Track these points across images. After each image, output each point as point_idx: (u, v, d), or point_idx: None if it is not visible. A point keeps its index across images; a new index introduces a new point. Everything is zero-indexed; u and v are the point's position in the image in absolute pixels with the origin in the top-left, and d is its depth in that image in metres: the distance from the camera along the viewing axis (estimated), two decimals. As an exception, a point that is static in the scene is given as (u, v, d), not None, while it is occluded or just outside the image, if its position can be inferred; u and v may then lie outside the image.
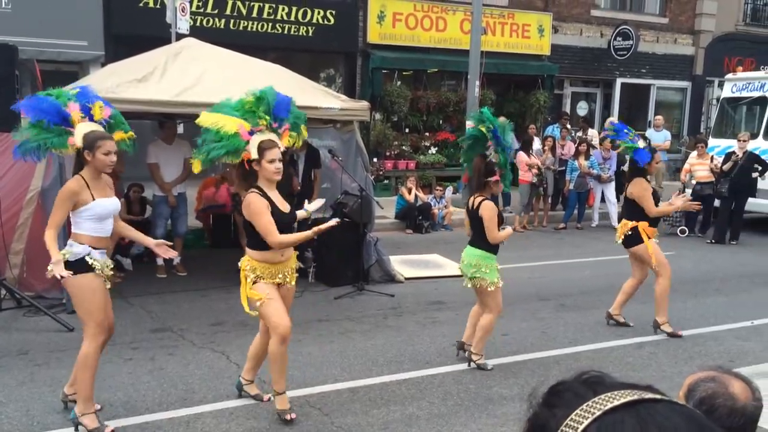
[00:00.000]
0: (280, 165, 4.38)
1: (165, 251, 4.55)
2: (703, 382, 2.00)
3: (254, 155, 4.33)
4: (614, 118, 15.31)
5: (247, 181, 4.44)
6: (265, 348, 4.56)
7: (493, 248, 5.34)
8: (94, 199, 4.19)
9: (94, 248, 4.21)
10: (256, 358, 4.76)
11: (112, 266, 4.44)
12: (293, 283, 4.62)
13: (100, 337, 4.23)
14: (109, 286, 4.36)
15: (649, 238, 6.32)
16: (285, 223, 4.41)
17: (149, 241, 4.64)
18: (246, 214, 4.36)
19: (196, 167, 4.56)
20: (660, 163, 6.38)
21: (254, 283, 4.41)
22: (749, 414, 1.92)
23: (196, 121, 4.57)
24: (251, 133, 4.38)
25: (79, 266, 4.14)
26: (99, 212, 4.22)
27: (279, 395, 4.49)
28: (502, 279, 5.43)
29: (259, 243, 4.37)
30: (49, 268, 4.16)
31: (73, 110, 4.25)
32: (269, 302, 4.35)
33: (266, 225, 4.28)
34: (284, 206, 4.47)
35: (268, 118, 4.48)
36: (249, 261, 4.45)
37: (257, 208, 4.29)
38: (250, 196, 4.34)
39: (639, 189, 6.29)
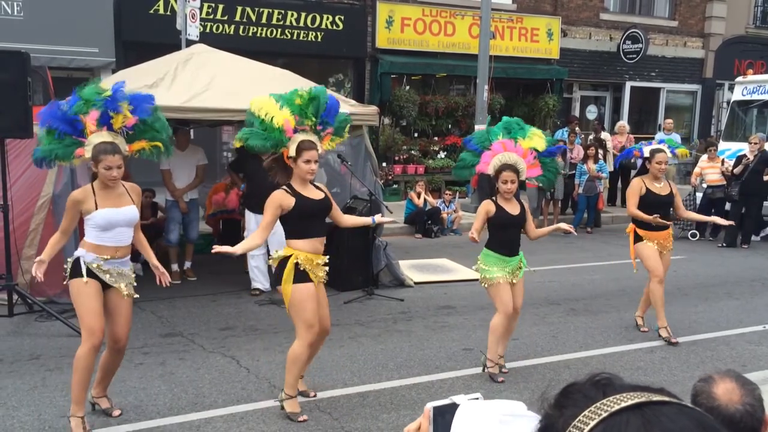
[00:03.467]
0: (314, 166, 4.45)
1: (161, 275, 4.52)
2: (698, 382, 2.02)
3: (292, 153, 4.42)
4: (624, 122, 15.33)
5: (285, 174, 4.51)
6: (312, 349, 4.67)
7: (490, 245, 5.35)
8: (97, 209, 4.23)
9: (97, 255, 4.24)
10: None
11: (123, 273, 4.38)
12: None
13: (89, 341, 4.20)
14: (125, 293, 4.34)
15: (642, 239, 6.33)
16: (315, 208, 4.46)
17: (153, 260, 4.59)
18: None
19: (236, 143, 4.73)
20: (670, 165, 6.43)
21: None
22: (727, 416, 1.88)
23: (250, 102, 4.65)
24: (295, 130, 4.47)
25: (73, 270, 4.26)
26: (99, 222, 4.24)
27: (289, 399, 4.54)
28: (506, 280, 5.31)
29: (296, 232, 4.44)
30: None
31: (89, 120, 4.28)
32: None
33: (263, 221, 4.40)
34: (316, 195, 4.52)
35: (314, 119, 4.57)
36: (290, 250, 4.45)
37: (268, 204, 4.37)
38: (275, 192, 4.43)
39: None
